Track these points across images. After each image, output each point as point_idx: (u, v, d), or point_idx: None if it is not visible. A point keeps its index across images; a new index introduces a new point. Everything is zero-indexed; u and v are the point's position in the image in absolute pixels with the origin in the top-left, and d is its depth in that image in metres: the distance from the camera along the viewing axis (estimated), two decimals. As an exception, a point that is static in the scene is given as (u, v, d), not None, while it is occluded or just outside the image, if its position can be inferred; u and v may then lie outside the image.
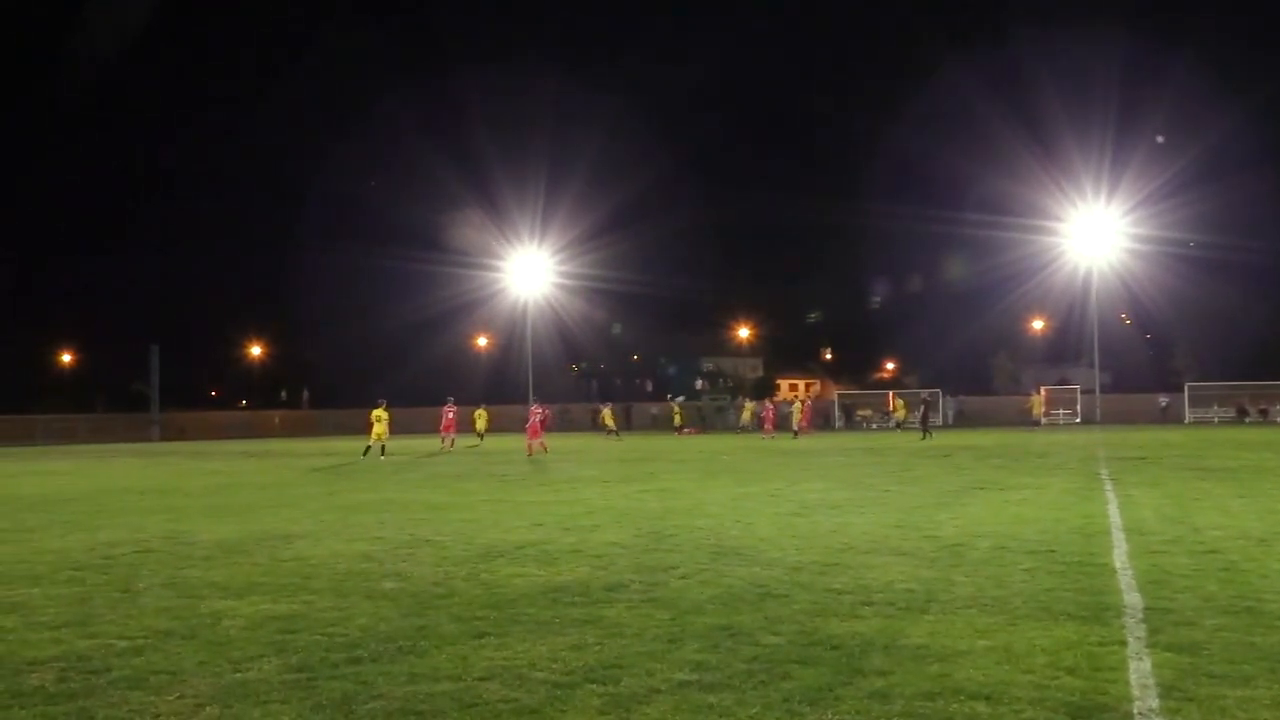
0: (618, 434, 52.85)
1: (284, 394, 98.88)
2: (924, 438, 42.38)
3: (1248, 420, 60.40)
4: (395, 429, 36.72)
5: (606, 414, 54.94)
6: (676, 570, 10.06)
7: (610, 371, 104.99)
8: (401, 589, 9.37)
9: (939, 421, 66.24)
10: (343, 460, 33.23)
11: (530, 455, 33.64)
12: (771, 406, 56.32)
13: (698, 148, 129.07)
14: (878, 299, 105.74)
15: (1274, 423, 57.83)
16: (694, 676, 6.25)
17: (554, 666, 6.54)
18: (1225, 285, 72.30)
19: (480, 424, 47.43)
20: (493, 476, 24.68)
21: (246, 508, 17.67)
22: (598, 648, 6.99)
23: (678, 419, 58.82)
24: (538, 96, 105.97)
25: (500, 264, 76.15)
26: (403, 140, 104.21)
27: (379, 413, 34.44)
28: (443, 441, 40.91)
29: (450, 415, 41.94)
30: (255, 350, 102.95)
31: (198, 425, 73.21)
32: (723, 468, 26.61)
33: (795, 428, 49.74)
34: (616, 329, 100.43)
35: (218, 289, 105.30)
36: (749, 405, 61.61)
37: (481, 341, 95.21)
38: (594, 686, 6.08)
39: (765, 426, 52.11)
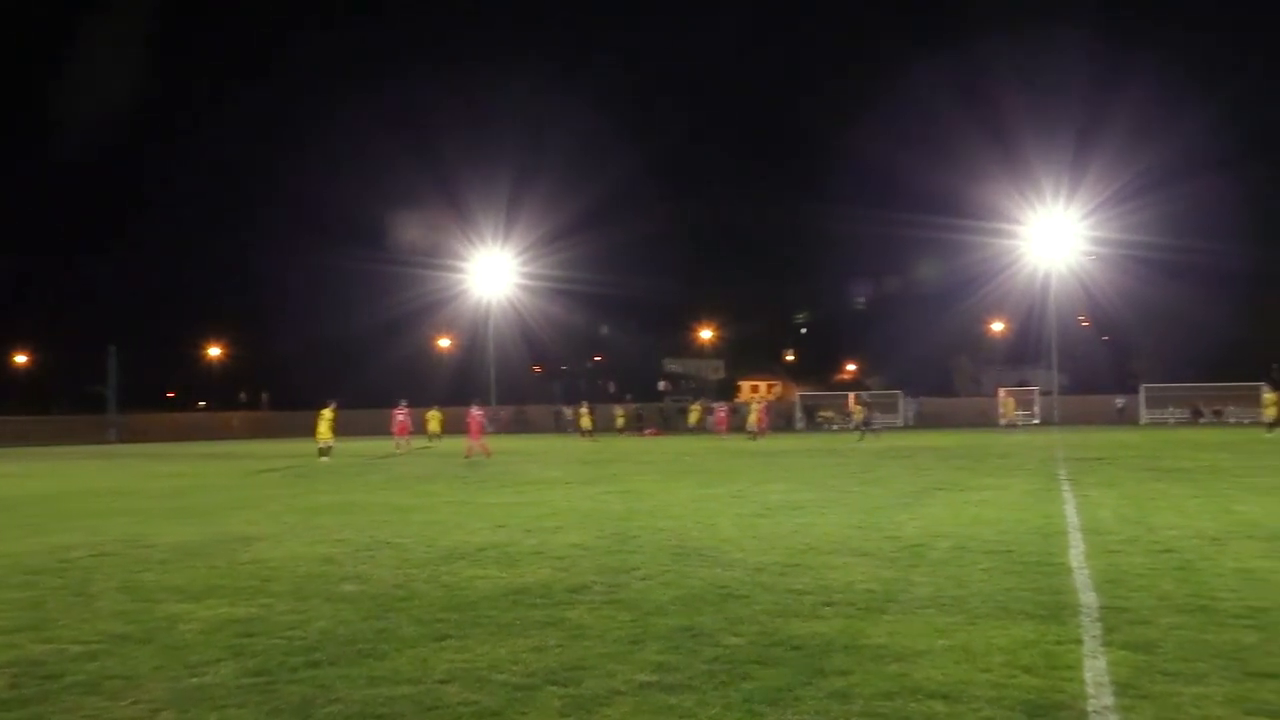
0: (593, 435, 53.03)
1: (243, 395, 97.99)
2: (860, 439, 42.89)
3: (1202, 421, 61.21)
4: (355, 431, 36.60)
5: (584, 415, 55.19)
6: (639, 571, 10.07)
7: (574, 373, 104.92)
8: (362, 591, 9.32)
9: (900, 423, 66.79)
10: (303, 462, 33.00)
11: (468, 456, 33.55)
12: (724, 407, 56.61)
13: (662, 149, 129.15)
14: (861, 300, 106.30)
15: (1228, 424, 58.64)
16: (655, 677, 6.26)
17: (515, 668, 6.52)
18: (1182, 288, 73.16)
19: (433, 425, 47.26)
20: (455, 478, 24.59)
21: (205, 510, 17.50)
22: (559, 649, 6.99)
23: (620, 421, 58.63)
24: (504, 97, 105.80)
25: (464, 265, 75.95)
26: (366, 141, 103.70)
27: (326, 413, 34.48)
28: (396, 445, 40.75)
29: (401, 418, 41.87)
30: (214, 351, 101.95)
31: (156, 427, 72.38)
32: (686, 469, 26.65)
33: (751, 429, 49.88)
34: (604, 330, 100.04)
35: (176, 290, 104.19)
36: (695, 406, 61.93)
37: (444, 343, 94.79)
38: (555, 688, 6.08)
39: (718, 428, 52.41)
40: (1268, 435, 38.99)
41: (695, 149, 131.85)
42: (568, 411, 66.44)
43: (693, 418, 59.45)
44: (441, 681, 6.28)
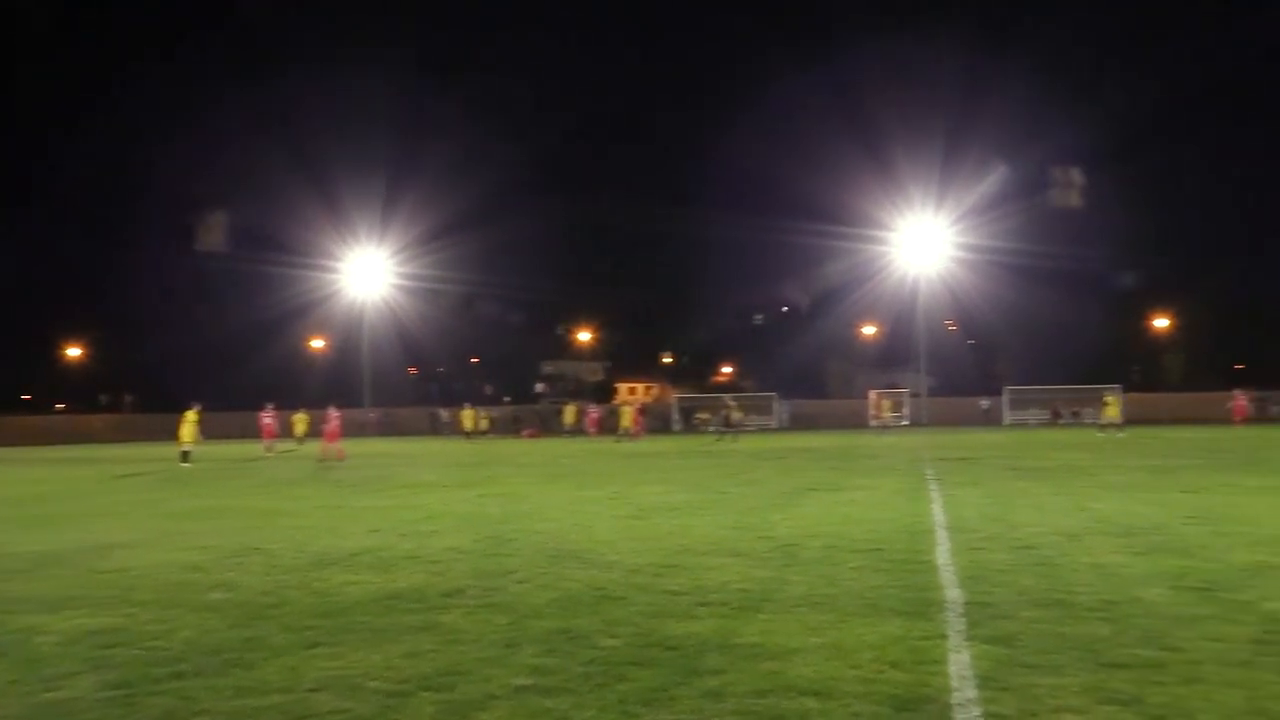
0: (476, 436, 52.70)
1: (105, 398, 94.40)
2: (718, 440, 43.58)
3: (1061, 422, 63.63)
4: (223, 434, 35.68)
5: (467, 416, 54.72)
6: (515, 574, 10.02)
7: (451, 374, 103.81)
8: (229, 599, 9.07)
9: (774, 425, 67.86)
10: (168, 466, 31.95)
11: (323, 460, 33.00)
12: (596, 409, 56.83)
13: (542, 150, 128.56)
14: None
15: (1085, 424, 61.07)
16: (531, 681, 6.24)
17: (388, 675, 6.44)
18: (1044, 292, 75.96)
19: (300, 428, 46.30)
20: (328, 482, 24.12)
21: (64, 517, 16.83)
22: (434, 654, 6.91)
23: (469, 423, 58.09)
24: (380, 97, 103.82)
25: (338, 265, 74.52)
26: (238, 138, 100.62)
27: (190, 415, 33.61)
28: (265, 448, 39.88)
29: (268, 421, 41.01)
30: (74, 352, 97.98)
31: (10, 430, 69.22)
32: (563, 471, 26.62)
33: (622, 431, 50.06)
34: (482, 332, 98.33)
35: (32, 287, 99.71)
36: (571, 407, 62.04)
37: (317, 344, 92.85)
38: (429, 694, 6.02)
39: (590, 429, 52.66)
40: (1099, 435, 40.89)
41: (574, 150, 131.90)
42: (444, 413, 65.73)
43: (569, 418, 59.51)
44: (312, 690, 6.16)
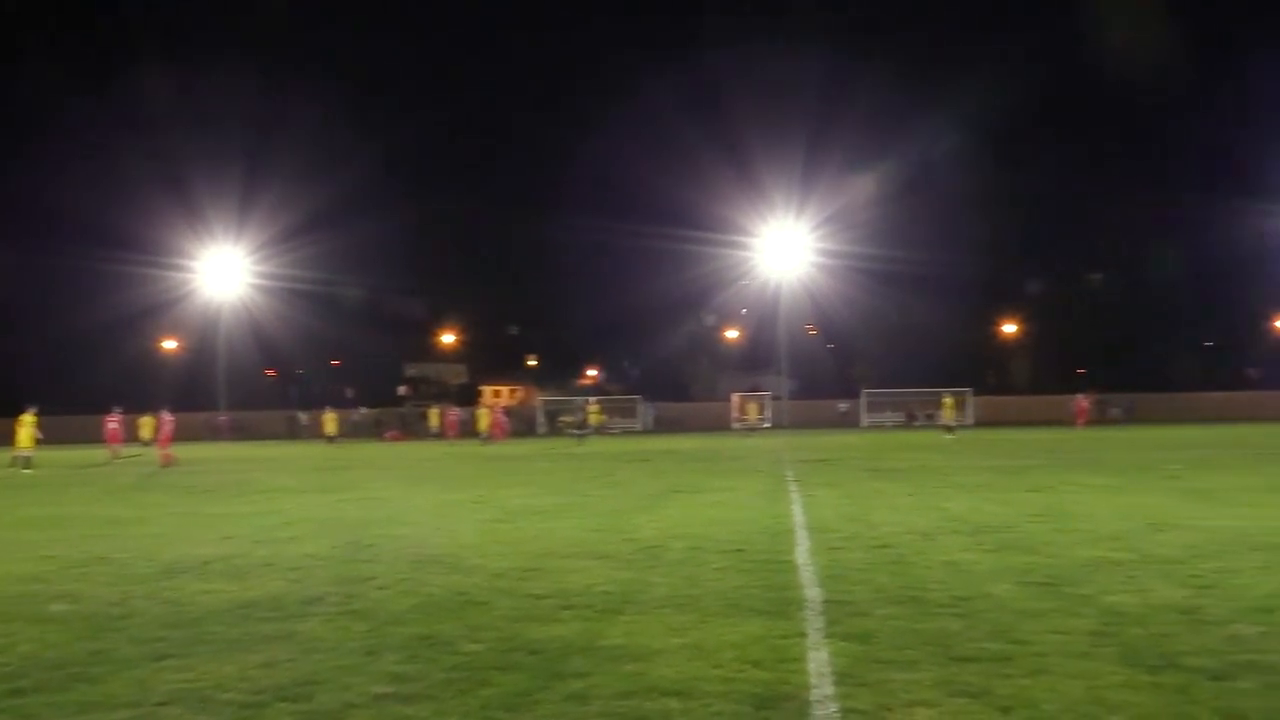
0: (337, 439, 51.66)
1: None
2: (579, 443, 43.91)
3: (916, 424, 65.62)
4: (67, 438, 34.22)
5: (328, 420, 53.62)
6: (376, 581, 9.85)
7: (311, 377, 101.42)
8: (74, 611, 8.69)
9: (639, 427, 68.25)
10: (6, 473, 30.45)
11: (164, 465, 32.02)
12: (455, 412, 56.49)
13: (403, 150, 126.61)
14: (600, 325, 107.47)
15: (938, 426, 63.03)
16: (392, 688, 6.14)
17: (242, 686, 6.25)
18: (901, 297, 78.26)
19: (146, 433, 44.70)
20: (181, 488, 23.32)
21: (-111, 527, 15.88)
22: (290, 664, 6.74)
23: (330, 427, 57.08)
24: (238, 94, 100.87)
25: (192, 264, 72.00)
26: (89, 135, 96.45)
27: (26, 419, 32.18)
28: (113, 453, 38.39)
29: (113, 425, 39.52)
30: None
31: None
32: (426, 475, 26.29)
33: (482, 434, 49.70)
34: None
35: None
36: (435, 410, 61.44)
37: (170, 345, 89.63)
38: (285, 705, 5.87)
39: (448, 432, 52.36)
40: (948, 437, 42.44)
41: (437, 151, 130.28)
42: (303, 416, 64.19)
43: (434, 421, 58.84)
44: (161, 704, 5.94)
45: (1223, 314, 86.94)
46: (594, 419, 59.06)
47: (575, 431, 47.68)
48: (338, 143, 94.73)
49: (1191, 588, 8.58)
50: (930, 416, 66.43)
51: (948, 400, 47.78)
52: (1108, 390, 66.62)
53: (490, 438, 49.21)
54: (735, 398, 70.74)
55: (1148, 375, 74.90)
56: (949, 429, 45.00)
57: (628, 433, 65.68)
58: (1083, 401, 56.82)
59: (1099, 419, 60.64)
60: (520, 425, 66.15)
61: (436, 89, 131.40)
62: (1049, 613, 7.77)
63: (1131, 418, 65.14)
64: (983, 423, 65.49)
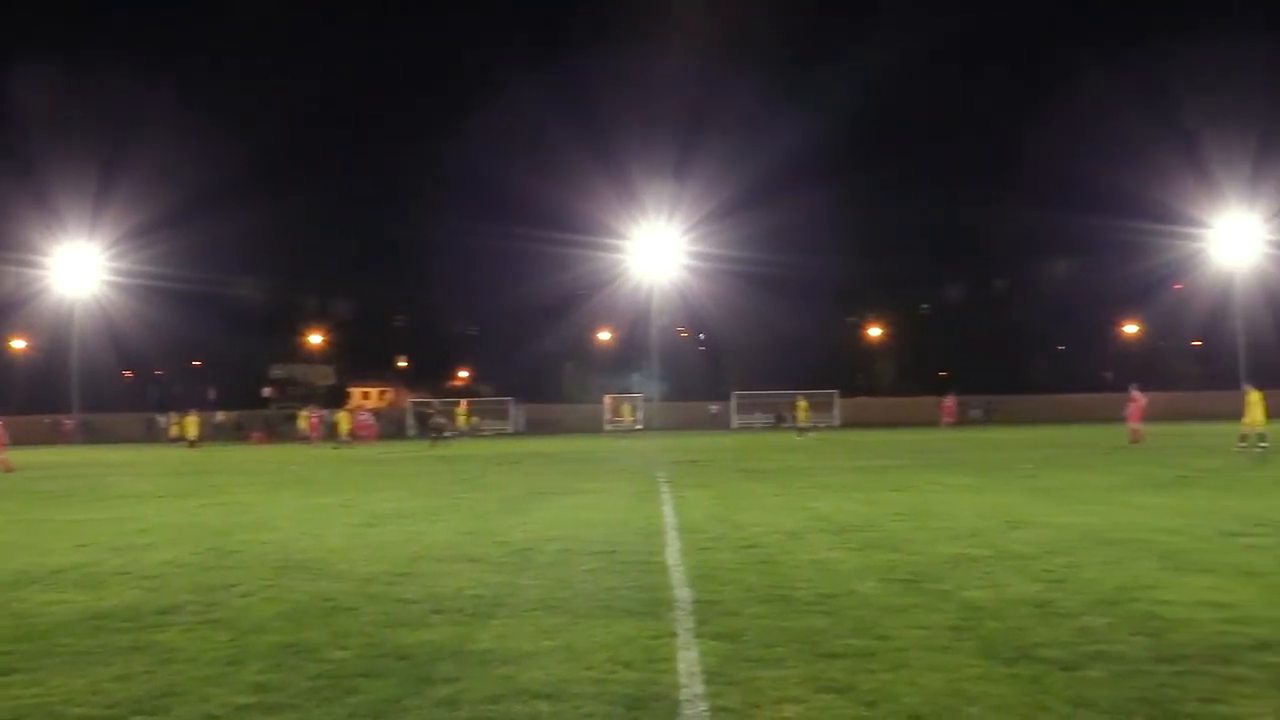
0: (199, 443, 50.13)
1: None
2: (432, 445, 43.91)
3: (784, 426, 66.67)
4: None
5: (189, 423, 52.00)
6: (238, 588, 9.58)
7: (170, 378, 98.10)
8: (-90, 625, 8.23)
9: (510, 429, 67.90)
10: None
11: (7, 471, 30.72)
12: (316, 414, 55.55)
13: (266, 146, 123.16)
14: (474, 329, 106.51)
15: (793, 428, 64.19)
16: (255, 699, 5.98)
17: (95, 700, 6.01)
18: (771, 300, 79.52)
19: None
20: (29, 493, 22.31)
21: None
22: (147, 676, 6.51)
23: (191, 430, 55.61)
24: (91, 88, 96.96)
25: (43, 260, 68.89)
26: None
27: None
28: None
29: None
30: None
31: None
32: (292, 478, 25.69)
33: (341, 437, 48.81)
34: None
35: None
36: (305, 413, 60.23)
37: (19, 345, 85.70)
38: (141, 718, 5.67)
39: (312, 436, 51.45)
40: (812, 436, 43.48)
41: (304, 148, 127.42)
42: (162, 419, 62.13)
43: (302, 424, 57.53)
44: (7, 720, 5.68)
45: (1077, 319, 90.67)
46: (461, 421, 58.54)
47: (435, 435, 47.13)
48: (198, 136, 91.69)
49: (1044, 582, 8.91)
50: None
51: (801, 403, 49.01)
52: (968, 392, 68.76)
53: (349, 441, 48.21)
54: (607, 400, 70.95)
55: (1006, 377, 77.61)
56: (801, 430, 46.22)
57: (499, 435, 65.29)
58: (949, 402, 59.13)
59: (960, 420, 62.67)
60: (390, 428, 65.18)
61: (307, 86, 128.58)
62: (911, 608, 7.98)
63: (990, 418, 67.49)
64: (849, 424, 67.01)
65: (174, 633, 7.75)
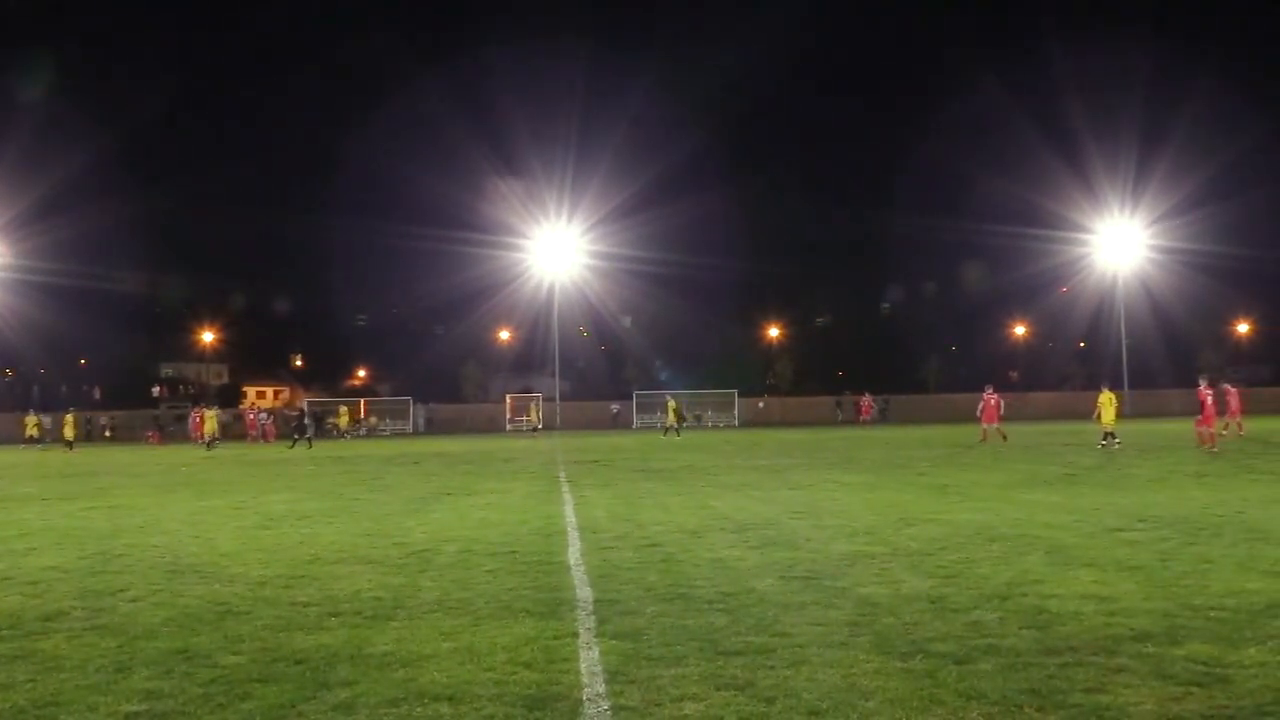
0: (76, 444, 48.64)
1: None
2: (292, 446, 43.60)
3: (686, 425, 67.15)
4: None
5: (68, 422, 50.39)
6: (127, 593, 9.31)
7: (53, 377, 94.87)
8: None
9: (410, 429, 67.14)
10: None
11: None
12: (198, 413, 54.52)
13: (137, 133, 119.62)
14: (363, 320, 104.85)
15: (706, 427, 64.77)
16: (143, 706, 5.82)
17: (-26, 711, 5.79)
18: (673, 299, 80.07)
19: None
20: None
21: None
22: (29, 685, 6.29)
23: (34, 430, 53.90)
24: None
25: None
26: None
27: None
28: None
29: None
30: None
31: None
32: (183, 480, 25.05)
33: (205, 437, 47.57)
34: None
35: None
36: (211, 414, 58.76)
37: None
38: (24, 729, 5.48)
39: (193, 434, 50.39)
40: (664, 437, 44.08)
41: (195, 137, 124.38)
42: (46, 420, 60.02)
43: (209, 426, 55.94)
44: (-122, 734, 5.44)
45: (969, 321, 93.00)
46: (344, 421, 57.87)
47: (299, 436, 46.29)
48: (81, 126, 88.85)
49: (937, 578, 9.12)
50: (699, 417, 68.24)
51: (671, 403, 49.78)
52: (864, 393, 70.04)
53: (212, 441, 46.90)
54: (508, 399, 70.61)
55: (900, 377, 79.26)
56: (668, 430, 47.00)
57: (399, 434, 64.54)
58: (866, 400, 61.96)
59: (858, 419, 63.88)
60: (285, 428, 63.94)
61: (199, 77, 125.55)
62: (809, 605, 8.10)
63: (887, 417, 68.82)
64: (749, 423, 67.70)
65: (58, 640, 7.50)
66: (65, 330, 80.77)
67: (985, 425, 34.18)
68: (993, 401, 34.44)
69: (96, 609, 8.62)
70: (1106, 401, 29.71)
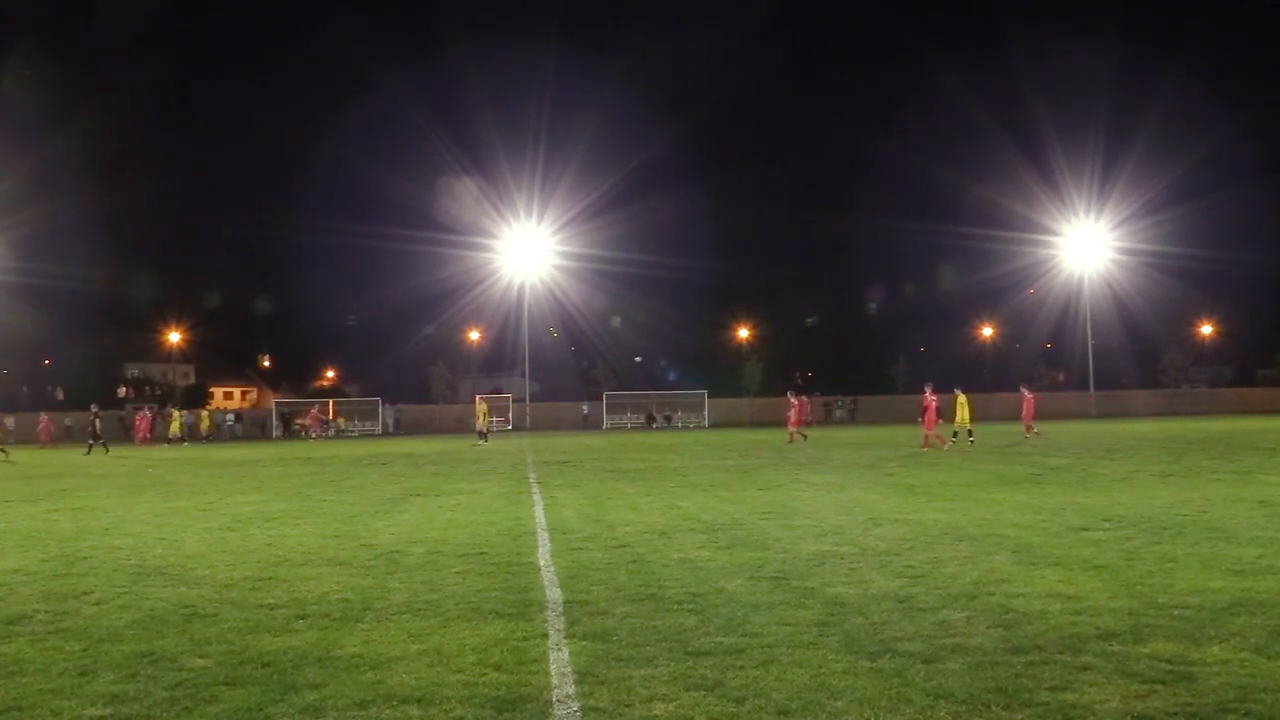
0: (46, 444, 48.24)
1: None
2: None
3: (654, 426, 67.21)
4: None
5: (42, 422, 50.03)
6: (91, 596, 9.21)
7: (15, 377, 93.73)
8: None
9: (379, 430, 66.84)
10: None
11: None
12: (147, 414, 54.15)
13: (101, 130, 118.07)
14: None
15: (675, 428, 64.86)
16: (108, 711, 5.76)
17: (-65, 716, 5.72)
18: (643, 300, 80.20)
19: None
20: None
21: None
22: (-9, 689, 6.22)
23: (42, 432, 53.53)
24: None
25: None
26: None
27: None
28: None
29: None
30: None
31: None
32: (148, 482, 24.82)
33: (172, 437, 47.35)
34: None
35: None
36: (177, 414, 58.30)
37: None
38: (-14, 733, 5.41)
39: (137, 436, 50.02)
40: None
41: (165, 135, 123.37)
42: (10, 421, 59.36)
43: (175, 426, 55.48)
44: None
45: (936, 322, 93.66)
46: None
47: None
48: (37, 123, 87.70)
49: (905, 578, 9.17)
50: (668, 418, 68.31)
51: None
52: (833, 392, 70.36)
53: (176, 440, 46.65)
54: (478, 400, 70.43)
55: (868, 378, 79.63)
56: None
57: (367, 435, 64.23)
58: (795, 402, 61.30)
59: (825, 419, 64.06)
60: (254, 429, 63.51)
61: (166, 75, 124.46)
62: (778, 605, 8.12)
63: (854, 418, 69.16)
64: (718, 424, 67.82)
65: (21, 643, 7.42)
66: (27, 330, 79.73)
67: (927, 433, 31.63)
68: (934, 404, 31.91)
69: (60, 612, 8.52)
70: (963, 403, 32.95)
